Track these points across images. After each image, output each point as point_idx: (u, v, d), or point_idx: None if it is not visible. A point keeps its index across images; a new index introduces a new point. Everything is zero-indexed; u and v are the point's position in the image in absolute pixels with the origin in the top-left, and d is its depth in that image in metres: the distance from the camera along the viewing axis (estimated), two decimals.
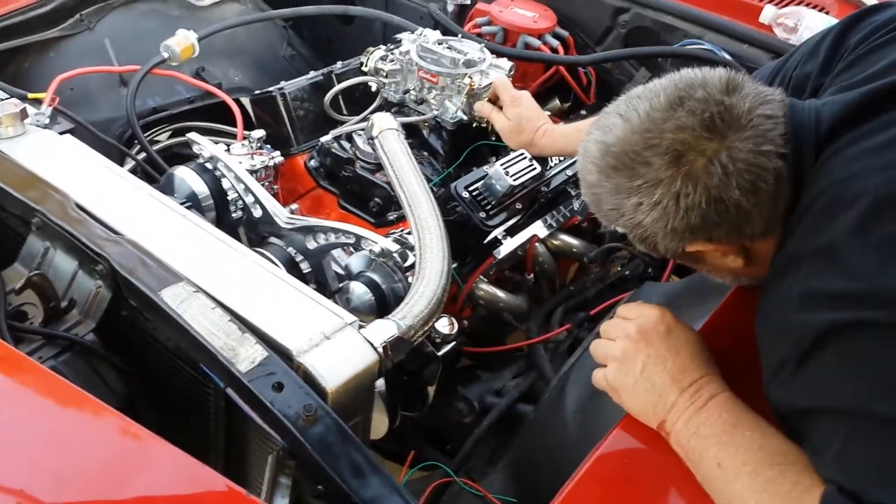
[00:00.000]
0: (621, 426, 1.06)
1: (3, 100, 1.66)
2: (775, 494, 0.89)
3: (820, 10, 2.01)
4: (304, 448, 0.99)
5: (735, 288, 1.24)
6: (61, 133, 1.57)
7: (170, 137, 2.21)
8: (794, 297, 0.92)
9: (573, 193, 1.89)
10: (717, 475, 0.94)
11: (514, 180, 1.68)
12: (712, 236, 1.00)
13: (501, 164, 1.70)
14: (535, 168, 1.73)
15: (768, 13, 1.95)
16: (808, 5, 2.02)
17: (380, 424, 1.45)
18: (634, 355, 1.05)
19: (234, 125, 1.94)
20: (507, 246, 1.73)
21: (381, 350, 1.15)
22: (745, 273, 1.11)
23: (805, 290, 0.91)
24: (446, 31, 2.08)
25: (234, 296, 1.17)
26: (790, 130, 0.98)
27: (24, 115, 1.49)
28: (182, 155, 2.13)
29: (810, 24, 1.88)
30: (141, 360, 1.22)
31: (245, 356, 1.05)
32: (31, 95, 1.77)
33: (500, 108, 1.75)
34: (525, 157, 1.74)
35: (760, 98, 0.99)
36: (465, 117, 1.82)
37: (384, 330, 1.19)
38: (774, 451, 0.92)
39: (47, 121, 1.62)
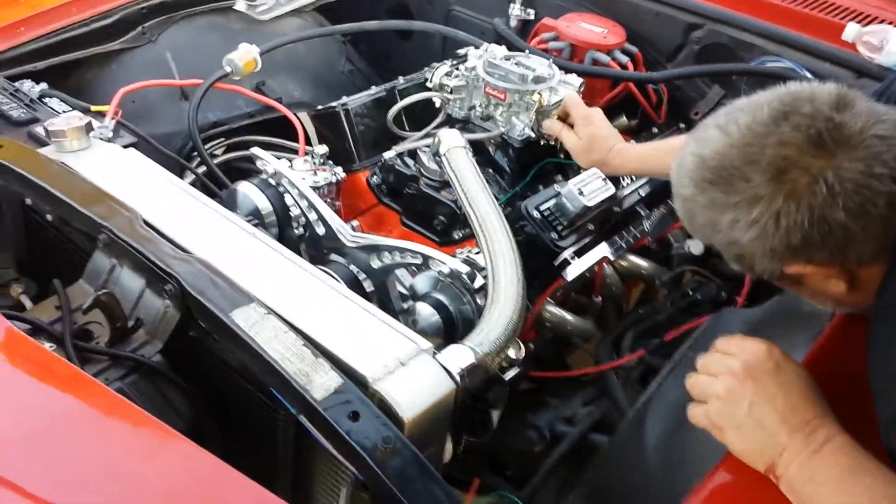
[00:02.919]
0: (724, 467, 0.99)
1: (66, 112, 1.66)
2: None
3: None
4: (381, 482, 0.94)
5: (836, 319, 1.16)
6: (125, 146, 1.55)
7: (225, 152, 2.18)
8: None
9: (643, 214, 1.82)
10: None
11: (588, 201, 1.62)
12: (814, 258, 0.94)
13: (574, 184, 1.64)
14: (609, 188, 1.67)
15: (851, 31, 1.87)
16: (893, 24, 1.93)
17: (445, 451, 1.40)
18: (741, 393, 0.98)
19: (291, 140, 1.90)
20: (577, 267, 1.66)
21: (458, 378, 1.10)
22: (847, 300, 1.04)
23: None
24: (511, 47, 2.02)
25: (305, 318, 1.12)
26: None
27: (89, 128, 1.46)
28: (239, 169, 2.10)
29: None
30: (207, 383, 1.18)
31: (319, 383, 1.01)
32: (93, 108, 1.75)
33: (570, 125, 1.69)
34: (599, 177, 1.67)
35: (875, 117, 0.92)
36: (532, 135, 1.76)
37: (461, 357, 1.14)
38: None
39: (111, 134, 1.61)
